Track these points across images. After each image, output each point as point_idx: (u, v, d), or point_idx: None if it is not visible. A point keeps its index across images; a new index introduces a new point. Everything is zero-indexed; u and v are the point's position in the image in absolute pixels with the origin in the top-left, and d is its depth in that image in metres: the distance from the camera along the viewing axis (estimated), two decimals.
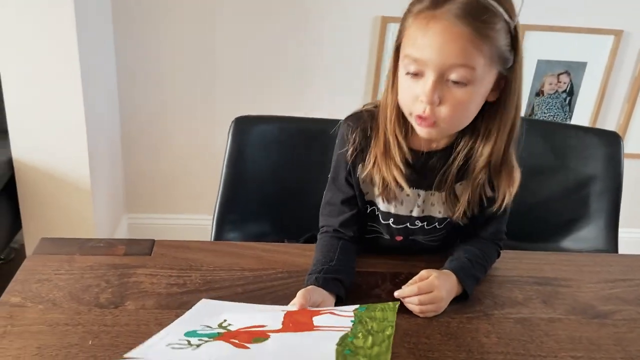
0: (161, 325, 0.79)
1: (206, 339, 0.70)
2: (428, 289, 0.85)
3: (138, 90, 2.04)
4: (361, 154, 0.93)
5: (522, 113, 2.16)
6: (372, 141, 0.91)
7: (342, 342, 0.69)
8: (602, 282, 0.99)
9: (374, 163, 0.91)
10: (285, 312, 0.79)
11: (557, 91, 2.15)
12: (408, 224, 0.97)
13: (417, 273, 0.90)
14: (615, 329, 0.87)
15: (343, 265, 0.91)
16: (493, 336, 0.84)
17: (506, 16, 0.78)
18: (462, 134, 0.89)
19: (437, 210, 0.96)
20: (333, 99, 2.07)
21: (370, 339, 0.70)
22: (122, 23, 1.93)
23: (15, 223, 1.82)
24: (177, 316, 0.81)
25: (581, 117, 2.19)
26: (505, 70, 0.82)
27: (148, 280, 0.89)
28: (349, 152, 0.93)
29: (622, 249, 1.46)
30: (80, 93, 1.65)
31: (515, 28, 0.80)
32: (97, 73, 1.81)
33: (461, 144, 0.90)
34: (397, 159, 0.89)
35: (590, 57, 2.10)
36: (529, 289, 0.95)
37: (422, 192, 0.94)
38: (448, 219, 0.97)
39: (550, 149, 1.56)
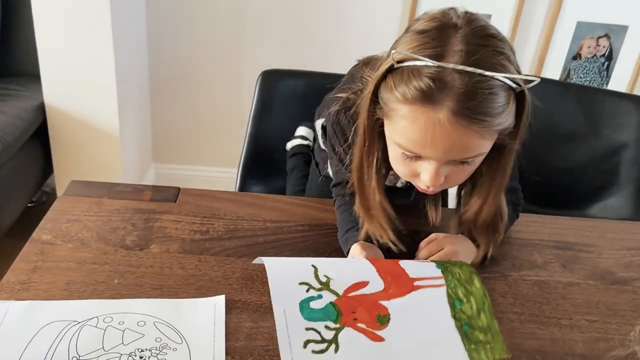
0: (183, 268, 0.82)
1: (331, 323, 0.69)
2: (439, 247, 0.85)
3: (167, 41, 2.04)
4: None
5: (557, 77, 2.10)
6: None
7: (455, 314, 0.74)
8: (624, 249, 0.98)
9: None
10: (367, 260, 0.80)
11: (595, 55, 2.08)
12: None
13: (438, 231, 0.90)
14: (634, 295, 0.87)
15: None
16: (509, 296, 0.84)
17: (510, 83, 0.69)
18: None
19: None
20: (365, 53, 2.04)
21: (472, 300, 0.76)
22: None
23: (47, 167, 1.88)
24: (200, 262, 0.84)
25: (619, 83, 2.12)
26: (508, 138, 0.75)
27: (172, 226, 0.92)
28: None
29: None
30: (111, 41, 1.66)
31: (522, 92, 0.72)
32: (128, 22, 1.82)
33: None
34: (380, 212, 0.83)
35: (632, 21, 2.01)
36: (548, 253, 0.95)
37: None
38: None
39: (584, 114, 1.52)
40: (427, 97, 0.68)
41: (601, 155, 1.53)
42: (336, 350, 0.67)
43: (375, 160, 0.80)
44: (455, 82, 0.67)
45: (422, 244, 0.88)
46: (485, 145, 0.73)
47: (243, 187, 1.35)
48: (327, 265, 0.76)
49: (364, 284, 0.75)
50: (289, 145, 1.28)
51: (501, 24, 2.00)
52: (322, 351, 0.67)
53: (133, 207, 0.95)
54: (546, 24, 2.02)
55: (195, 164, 2.30)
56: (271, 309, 0.68)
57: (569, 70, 2.10)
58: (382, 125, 0.77)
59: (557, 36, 2.03)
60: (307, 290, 0.71)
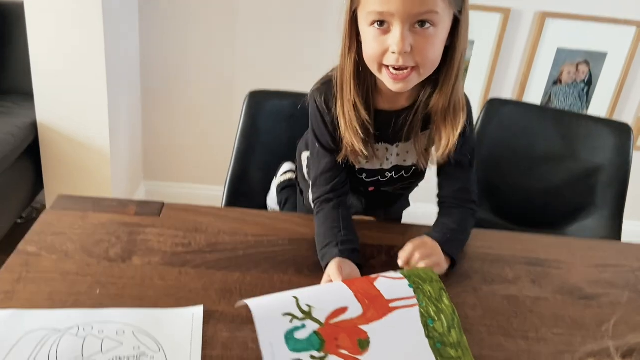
0: (164, 280, 0.85)
1: (316, 353, 0.72)
2: (431, 251, 0.90)
3: (159, 60, 2.09)
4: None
5: (538, 102, 2.16)
6: (334, 108, 0.94)
7: (428, 333, 0.78)
8: (592, 266, 1.01)
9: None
10: (345, 284, 0.83)
11: (575, 80, 2.14)
12: (379, 177, 1.02)
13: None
14: (599, 310, 0.90)
15: (352, 234, 0.96)
16: (479, 309, 0.87)
17: None
18: (421, 86, 0.92)
19: (403, 159, 1.01)
20: None
21: (443, 318, 0.79)
22: (146, 8, 1.98)
23: (37, 184, 1.90)
24: (181, 274, 0.87)
25: (599, 108, 2.18)
26: (458, 14, 0.85)
27: (155, 239, 0.94)
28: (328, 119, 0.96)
29: (626, 240, 1.47)
30: (103, 61, 1.70)
31: None
32: (120, 42, 1.86)
33: (421, 94, 0.93)
34: (356, 125, 0.92)
35: (610, 48, 2.08)
36: (519, 269, 0.99)
37: (389, 146, 0.98)
38: (414, 167, 1.01)
39: (561, 137, 1.57)
40: None
41: (578, 177, 1.57)
42: None
43: (353, 55, 0.89)
44: None
45: (411, 247, 0.90)
46: (439, 5, 0.81)
47: (229, 204, 1.38)
48: (308, 294, 0.79)
49: (343, 309, 0.78)
50: (276, 182, 1.31)
51: (484, 50, 2.07)
52: None
53: (118, 220, 0.98)
54: (527, 50, 2.08)
55: (186, 181, 2.33)
56: (249, 319, 0.71)
57: (550, 94, 2.16)
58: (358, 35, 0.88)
59: (538, 62, 2.10)
60: (291, 321, 0.74)
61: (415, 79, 0.87)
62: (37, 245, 0.90)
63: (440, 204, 1.04)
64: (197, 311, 0.80)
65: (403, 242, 0.92)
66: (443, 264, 0.91)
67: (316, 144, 1.00)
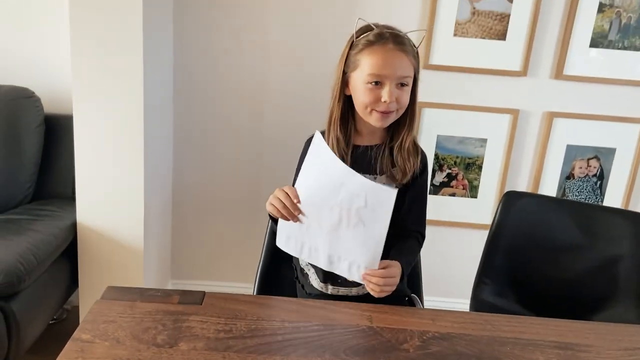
0: None
1: None
2: (389, 274, 1.13)
3: (190, 162, 2.23)
4: None
5: (554, 194, 2.23)
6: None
7: None
8: (621, 349, 1.04)
9: None
10: None
11: (587, 175, 2.23)
12: None
13: (445, 332, 0.98)
14: None
15: None
16: None
17: (414, 44, 1.23)
18: (391, 128, 1.28)
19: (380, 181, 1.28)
20: None
21: None
22: (181, 100, 2.16)
23: (72, 284, 1.97)
24: (224, 358, 0.91)
25: (613, 200, 2.25)
26: (417, 75, 1.24)
27: (199, 326, 1.00)
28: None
29: None
30: (142, 167, 1.84)
31: (417, 52, 1.24)
32: (156, 144, 2.01)
33: (393, 134, 1.29)
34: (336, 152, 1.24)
35: (619, 143, 2.19)
36: (550, 352, 1.01)
37: (367, 176, 1.18)
38: None
39: (579, 227, 1.63)
40: (380, 39, 1.19)
41: (599, 267, 1.61)
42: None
43: (341, 104, 1.25)
44: (386, 33, 1.20)
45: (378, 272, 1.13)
46: (411, 69, 1.20)
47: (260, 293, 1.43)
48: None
49: None
50: None
51: (496, 148, 2.18)
52: None
53: (163, 309, 1.04)
54: (538, 148, 2.19)
55: (212, 279, 2.38)
56: None
57: (564, 189, 2.25)
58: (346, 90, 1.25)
59: (549, 158, 2.20)
60: None
61: (393, 118, 1.23)
62: (91, 333, 0.96)
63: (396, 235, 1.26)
64: None
65: (434, 327, 0.96)
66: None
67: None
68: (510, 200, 1.64)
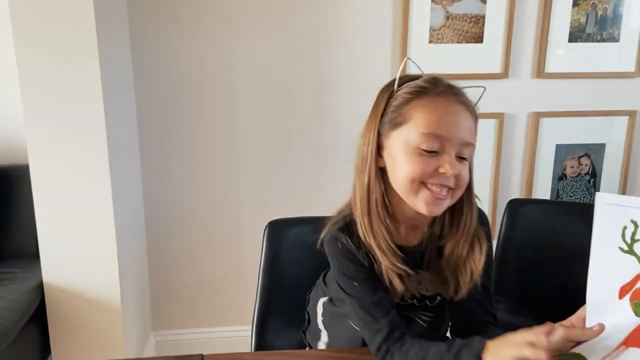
0: None
1: None
2: None
3: (162, 204, 2.07)
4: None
5: (548, 197, 2.15)
6: (363, 243, 0.92)
7: None
8: None
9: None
10: None
11: (579, 174, 2.15)
12: (400, 301, 0.98)
13: None
14: None
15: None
16: None
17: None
18: (430, 225, 0.96)
19: (425, 288, 0.97)
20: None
21: None
22: (148, 155, 2.01)
23: (44, 350, 1.78)
24: None
25: None
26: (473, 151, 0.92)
27: None
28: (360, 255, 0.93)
29: None
30: (112, 212, 1.67)
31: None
32: (126, 191, 1.85)
33: (433, 229, 0.96)
34: (391, 249, 0.90)
35: (608, 138, 2.12)
36: None
37: (411, 273, 0.94)
38: (438, 297, 0.98)
39: (589, 230, 1.53)
40: (434, 86, 0.87)
41: None
42: None
43: (381, 182, 0.91)
44: (442, 81, 0.90)
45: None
46: (475, 135, 0.89)
47: (259, 343, 1.28)
48: None
49: None
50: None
51: (485, 153, 2.09)
52: None
53: None
54: (527, 150, 2.11)
55: (200, 326, 2.20)
56: None
57: (558, 190, 2.16)
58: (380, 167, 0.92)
59: (540, 160, 2.12)
60: None
61: (447, 204, 0.89)
62: None
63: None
64: None
65: None
66: None
67: (355, 283, 0.94)
68: (515, 209, 1.53)
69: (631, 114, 2.09)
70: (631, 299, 0.70)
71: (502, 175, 2.13)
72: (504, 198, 1.66)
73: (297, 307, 1.32)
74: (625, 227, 0.69)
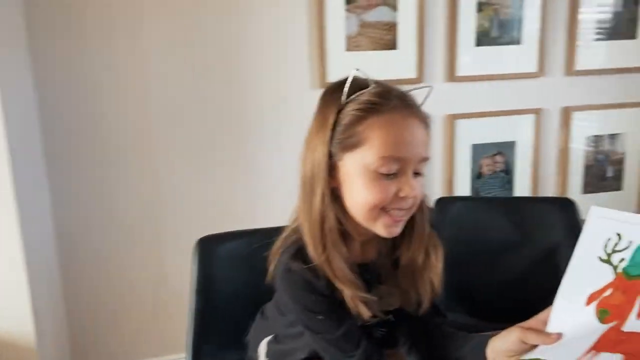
0: None
1: None
2: None
3: (77, 237, 1.92)
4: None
5: (468, 193, 2.20)
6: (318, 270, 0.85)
7: None
8: None
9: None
10: None
11: (495, 171, 2.24)
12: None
13: None
14: None
15: None
16: None
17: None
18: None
19: (388, 303, 0.92)
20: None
21: None
22: (58, 184, 1.86)
23: None
24: None
25: (522, 192, 2.28)
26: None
27: None
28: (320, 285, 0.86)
29: None
30: (21, 248, 1.52)
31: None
32: (35, 220, 1.69)
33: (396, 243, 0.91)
34: (351, 275, 0.84)
35: (517, 136, 2.23)
36: None
37: (375, 298, 0.89)
38: (403, 311, 0.94)
39: (513, 223, 1.58)
40: (385, 100, 0.81)
41: (540, 260, 1.57)
42: None
43: (335, 207, 0.83)
44: (393, 92, 0.83)
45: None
46: (429, 145, 0.85)
47: None
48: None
49: None
50: None
51: None
52: None
53: None
54: (446, 150, 2.17)
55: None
56: None
57: (477, 189, 2.24)
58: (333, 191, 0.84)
59: (458, 160, 2.19)
60: None
61: (403, 224, 0.85)
62: None
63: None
64: None
65: None
66: None
67: (318, 316, 0.86)
68: (443, 207, 1.56)
69: (537, 111, 2.21)
70: (598, 306, 0.71)
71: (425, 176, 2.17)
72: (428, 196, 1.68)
73: (236, 325, 1.25)
74: (609, 239, 0.71)
